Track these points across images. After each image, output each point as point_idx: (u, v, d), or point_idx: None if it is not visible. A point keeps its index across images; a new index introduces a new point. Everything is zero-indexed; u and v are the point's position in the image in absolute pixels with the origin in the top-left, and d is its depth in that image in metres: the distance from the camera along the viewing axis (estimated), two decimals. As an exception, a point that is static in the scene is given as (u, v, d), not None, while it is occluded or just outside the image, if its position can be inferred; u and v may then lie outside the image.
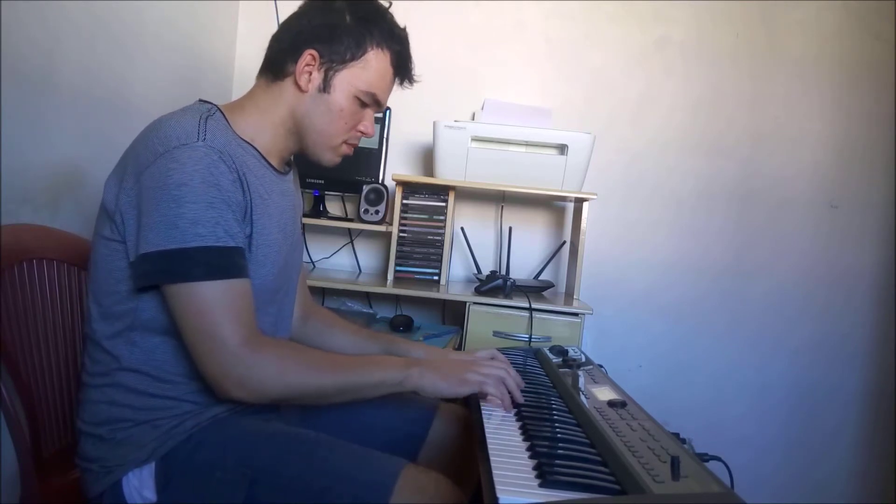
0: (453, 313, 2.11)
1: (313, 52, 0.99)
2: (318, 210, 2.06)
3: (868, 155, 2.12)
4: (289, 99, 1.02)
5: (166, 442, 0.93)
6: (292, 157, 1.14)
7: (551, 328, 1.72)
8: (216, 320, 0.86)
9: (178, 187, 0.86)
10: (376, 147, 2.02)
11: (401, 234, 1.94)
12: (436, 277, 1.94)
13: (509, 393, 1.01)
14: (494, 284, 1.79)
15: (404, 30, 1.06)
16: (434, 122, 1.86)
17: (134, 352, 0.94)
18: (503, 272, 1.90)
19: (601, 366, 1.31)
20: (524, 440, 0.87)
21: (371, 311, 2.04)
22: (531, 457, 0.80)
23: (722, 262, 2.16)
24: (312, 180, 2.02)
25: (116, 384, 0.94)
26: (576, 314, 1.73)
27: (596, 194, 1.87)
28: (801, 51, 2.12)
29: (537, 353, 1.39)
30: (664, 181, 2.17)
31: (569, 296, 1.95)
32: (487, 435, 0.88)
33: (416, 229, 1.95)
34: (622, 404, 0.98)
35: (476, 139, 1.86)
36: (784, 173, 2.14)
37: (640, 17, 2.15)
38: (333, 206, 2.20)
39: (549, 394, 1.09)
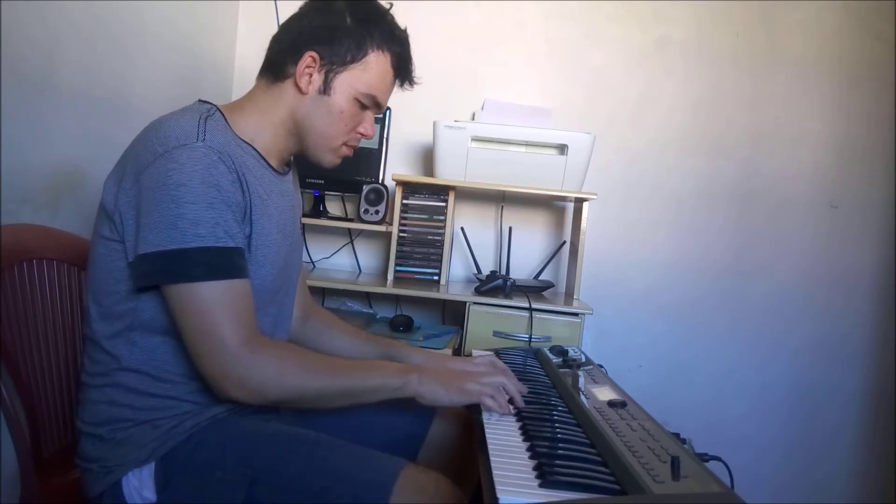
0: (453, 313, 2.11)
1: (314, 53, 0.99)
2: (318, 210, 2.06)
3: (868, 155, 2.12)
4: (289, 100, 1.02)
5: (166, 442, 0.93)
6: (292, 158, 1.14)
7: (551, 328, 1.72)
8: (216, 320, 0.86)
9: (178, 188, 0.86)
10: (376, 147, 2.02)
11: (401, 234, 1.94)
12: (436, 277, 1.94)
13: (510, 398, 1.01)
14: (494, 284, 1.79)
15: (405, 31, 1.06)
16: (434, 122, 1.86)
17: (133, 352, 0.94)
18: (503, 272, 1.90)
19: (601, 366, 1.31)
20: (524, 440, 0.87)
21: (371, 311, 2.04)
22: (531, 457, 0.80)
23: (722, 262, 2.16)
24: (312, 180, 2.02)
25: (116, 384, 0.94)
26: (576, 314, 1.73)
27: (596, 194, 1.87)
28: (801, 51, 2.12)
29: (537, 353, 1.39)
30: (664, 181, 2.17)
31: (569, 296, 1.95)
32: (487, 435, 0.88)
33: (416, 229, 1.95)
34: (622, 404, 0.98)
35: (476, 139, 1.86)
36: (784, 173, 2.14)
37: (640, 17, 2.15)
38: (333, 206, 2.20)
39: (549, 394, 1.09)
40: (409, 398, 0.98)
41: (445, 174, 1.89)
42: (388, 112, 2.01)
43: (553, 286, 2.01)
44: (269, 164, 1.03)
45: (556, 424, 0.93)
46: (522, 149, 1.87)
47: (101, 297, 0.95)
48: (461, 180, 1.88)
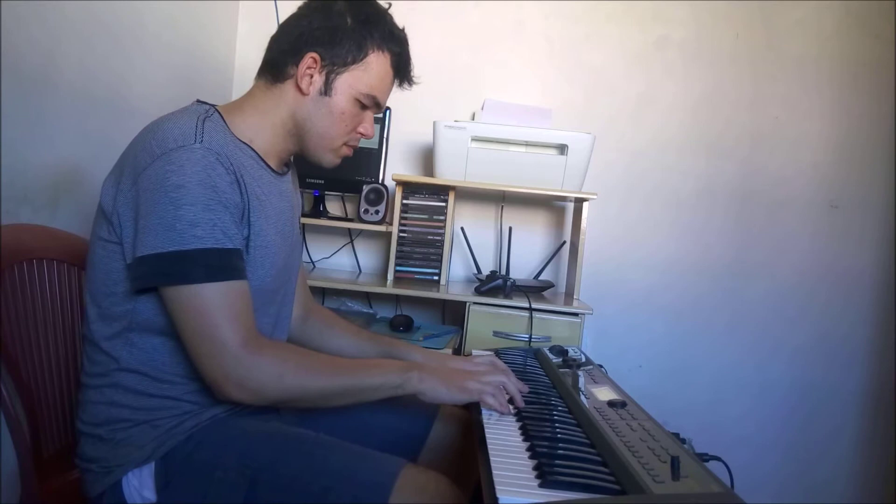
0: (453, 313, 2.11)
1: (314, 54, 0.99)
2: (318, 210, 2.06)
3: (868, 155, 2.12)
4: (289, 101, 1.02)
5: (166, 442, 0.93)
6: (291, 158, 1.14)
7: (551, 328, 1.72)
8: (215, 322, 0.86)
9: (176, 189, 0.86)
10: (376, 147, 2.02)
11: (401, 234, 1.94)
12: (436, 277, 1.94)
13: (510, 398, 1.01)
14: (494, 284, 1.79)
15: (403, 31, 1.06)
16: (434, 122, 1.86)
17: (132, 352, 0.94)
18: (503, 272, 1.90)
19: (601, 366, 1.31)
20: (524, 440, 0.87)
21: (371, 311, 2.04)
22: (531, 457, 0.80)
23: (722, 262, 2.16)
24: (312, 180, 2.02)
25: (115, 385, 0.94)
26: (576, 314, 1.73)
27: (596, 194, 1.87)
28: (801, 51, 2.12)
29: (537, 353, 1.39)
30: (664, 181, 2.17)
31: (569, 296, 1.95)
32: (487, 435, 0.88)
33: (416, 229, 1.95)
34: (622, 404, 0.98)
35: (476, 139, 1.86)
36: (784, 173, 2.14)
37: (640, 17, 2.15)
38: (333, 206, 2.20)
39: (549, 394, 1.09)
40: (409, 398, 0.98)
41: (445, 174, 1.89)
42: (388, 112, 2.02)
43: (553, 286, 2.01)
44: (267, 165, 1.03)
45: (556, 424, 0.93)
46: (522, 149, 1.87)
47: (99, 298, 0.95)
48: (461, 180, 1.88)
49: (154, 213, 0.86)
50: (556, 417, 0.96)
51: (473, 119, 1.99)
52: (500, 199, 2.18)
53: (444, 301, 2.12)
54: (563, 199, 2.14)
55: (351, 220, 2.04)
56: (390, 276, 1.93)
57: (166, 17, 1.76)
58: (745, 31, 2.13)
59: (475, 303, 1.75)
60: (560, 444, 0.84)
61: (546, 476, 0.73)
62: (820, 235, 2.14)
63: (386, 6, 1.06)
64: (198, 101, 1.01)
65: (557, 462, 0.78)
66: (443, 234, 1.95)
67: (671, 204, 2.17)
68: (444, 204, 1.96)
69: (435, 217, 1.95)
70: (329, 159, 1.07)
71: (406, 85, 1.09)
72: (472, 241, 2.02)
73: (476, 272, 1.97)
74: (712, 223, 2.16)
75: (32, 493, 0.95)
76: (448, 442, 1.17)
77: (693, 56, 2.14)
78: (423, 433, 1.17)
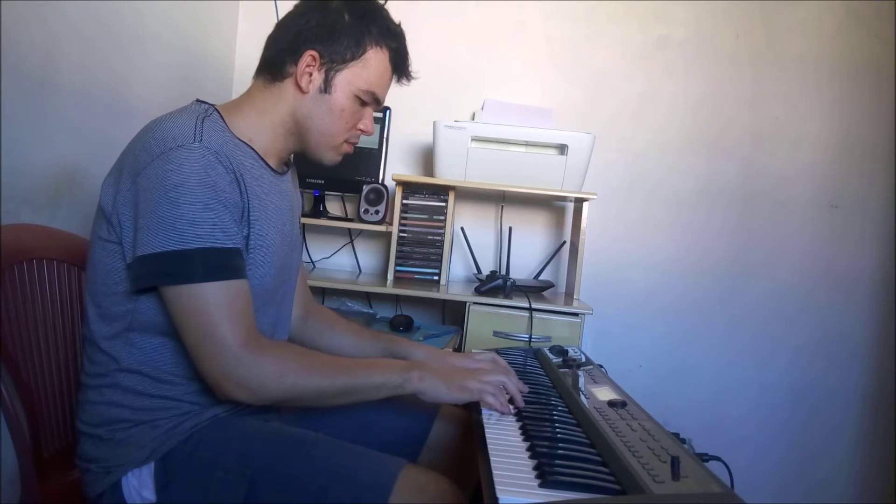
0: (453, 313, 2.11)
1: (313, 52, 0.99)
2: (318, 210, 2.06)
3: (868, 155, 2.12)
4: (289, 100, 1.02)
5: (166, 442, 0.93)
6: (291, 157, 1.14)
7: (551, 328, 1.72)
8: (216, 321, 0.86)
9: (176, 189, 0.86)
10: (376, 147, 2.02)
11: (401, 234, 1.94)
12: (436, 277, 1.94)
13: (510, 397, 1.01)
14: (494, 284, 1.79)
15: (400, 26, 1.06)
16: (434, 122, 1.86)
17: (132, 353, 0.93)
18: (503, 272, 1.90)
19: (601, 366, 1.31)
20: (524, 440, 0.87)
21: (371, 311, 2.04)
22: (531, 457, 0.80)
23: (722, 262, 2.16)
24: (312, 180, 2.02)
25: (115, 385, 0.94)
26: (576, 314, 1.73)
27: (596, 194, 1.87)
28: (801, 50, 2.12)
29: (537, 353, 1.39)
30: (664, 181, 2.17)
31: (569, 296, 1.95)
32: (487, 435, 0.88)
33: (416, 229, 1.95)
34: (622, 404, 0.98)
35: (476, 139, 1.86)
36: (784, 173, 2.14)
37: (640, 17, 2.15)
38: (333, 206, 2.20)
39: (549, 394, 1.09)
40: (410, 398, 0.98)
41: (445, 174, 1.89)
42: (388, 112, 2.02)
43: (553, 286, 2.01)
44: (267, 164, 1.03)
45: (556, 424, 0.93)
46: (522, 149, 1.87)
47: (99, 298, 0.95)
48: (461, 180, 1.88)
49: (154, 212, 0.86)
50: (556, 417, 0.96)
51: (473, 119, 1.99)
52: (500, 199, 2.18)
53: (444, 301, 2.12)
54: (563, 199, 2.14)
55: (351, 220, 2.04)
56: (390, 276, 1.93)
57: (166, 17, 1.76)
58: (745, 31, 2.13)
59: (475, 303, 1.75)
60: (560, 444, 0.84)
61: (546, 476, 0.73)
62: (820, 235, 2.14)
63: (382, 1, 1.06)
64: (197, 100, 1.01)
65: (557, 462, 0.78)
66: (443, 234, 1.95)
67: (671, 204, 2.17)
68: (444, 204, 1.96)
69: (435, 217, 1.95)
70: (330, 157, 1.07)
71: (404, 80, 1.09)
72: (472, 241, 2.02)
73: (476, 272, 1.97)
74: (712, 223, 2.16)
75: (32, 493, 0.94)
76: (448, 442, 1.17)
77: (693, 56, 2.14)
78: (423, 433, 1.17)
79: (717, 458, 0.89)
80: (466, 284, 2.04)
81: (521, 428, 0.92)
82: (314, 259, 2.21)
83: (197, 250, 0.86)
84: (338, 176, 2.01)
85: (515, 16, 2.18)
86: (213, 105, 0.99)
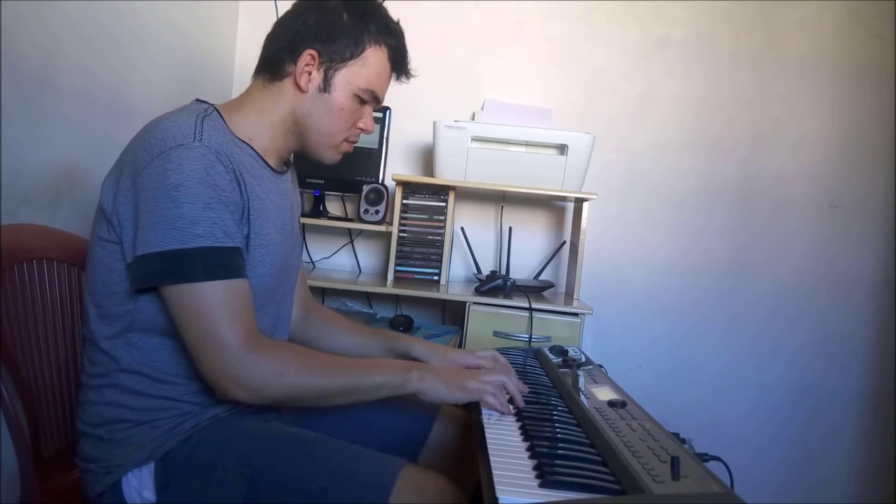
0: (453, 313, 2.11)
1: (313, 51, 0.99)
2: (318, 210, 2.06)
3: (868, 155, 2.12)
4: (288, 99, 1.02)
5: (166, 442, 0.93)
6: (291, 157, 1.14)
7: (551, 328, 1.72)
8: (216, 321, 0.86)
9: (176, 188, 0.86)
10: (376, 147, 2.02)
11: (401, 234, 1.94)
12: (436, 277, 1.94)
13: (510, 397, 1.01)
14: (494, 284, 1.79)
15: (399, 24, 1.06)
16: (434, 122, 1.86)
17: (132, 353, 0.93)
18: (503, 272, 1.90)
19: (601, 366, 1.31)
20: (524, 440, 0.87)
21: (371, 311, 2.04)
22: (531, 457, 0.80)
23: (722, 262, 2.16)
24: (312, 180, 2.02)
25: (115, 385, 0.94)
26: (576, 314, 1.73)
27: (596, 194, 1.87)
28: (801, 50, 2.12)
29: (537, 353, 1.39)
30: (664, 181, 2.17)
31: (569, 296, 1.95)
32: (487, 435, 0.88)
33: (416, 229, 1.95)
34: (622, 404, 0.98)
35: (476, 139, 1.86)
36: (784, 173, 2.14)
37: (640, 17, 2.15)
38: (333, 206, 2.20)
39: (549, 394, 1.09)
40: (410, 398, 0.98)
41: (445, 174, 1.89)
42: (388, 112, 2.02)
43: (553, 286, 2.01)
44: (267, 164, 1.03)
45: (556, 424, 0.93)
46: (522, 149, 1.87)
47: (99, 298, 0.95)
48: (461, 180, 1.88)
49: (154, 211, 0.86)
50: (556, 417, 0.96)
51: (473, 119, 1.99)
52: (500, 199, 2.18)
53: (444, 301, 2.12)
54: (563, 199, 2.14)
55: (351, 220, 2.04)
56: (390, 276, 1.93)
57: (166, 17, 1.76)
58: (745, 31, 2.13)
59: (475, 303, 1.75)
60: (560, 444, 0.84)
61: (546, 476, 0.73)
62: (820, 235, 2.14)
63: (380, 0, 1.06)
64: (197, 99, 1.01)
65: (557, 462, 0.78)
66: (443, 234, 1.95)
67: (671, 204, 2.17)
68: (444, 204, 1.96)
69: (435, 217, 1.95)
70: (330, 156, 1.07)
71: (404, 78, 1.09)
72: (471, 241, 2.02)
73: (476, 272, 1.97)
74: (712, 223, 2.16)
75: (32, 493, 0.94)
76: (448, 442, 1.16)
77: (693, 56, 2.14)
78: (423, 433, 1.16)
79: (717, 458, 0.89)
80: (466, 284, 2.04)
81: (521, 428, 0.92)
82: (314, 259, 2.21)
83: (197, 249, 0.86)
84: (338, 176, 2.01)
85: (515, 16, 2.18)
86: (212, 104, 0.99)
